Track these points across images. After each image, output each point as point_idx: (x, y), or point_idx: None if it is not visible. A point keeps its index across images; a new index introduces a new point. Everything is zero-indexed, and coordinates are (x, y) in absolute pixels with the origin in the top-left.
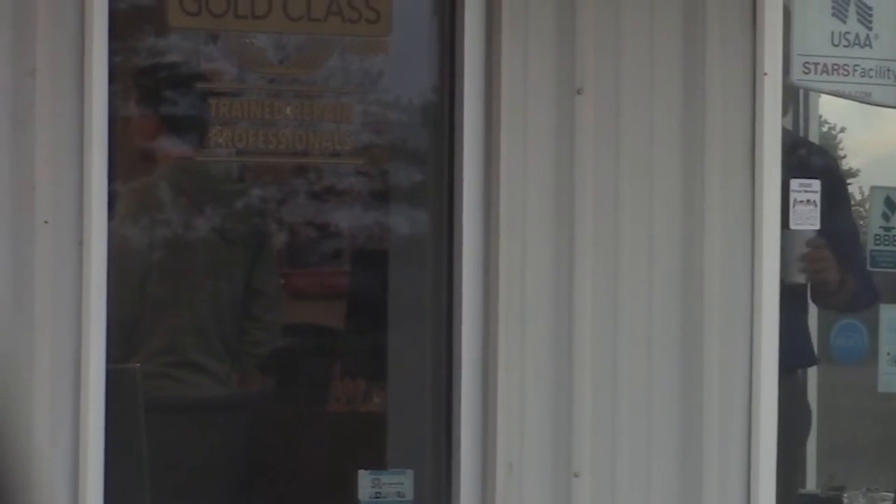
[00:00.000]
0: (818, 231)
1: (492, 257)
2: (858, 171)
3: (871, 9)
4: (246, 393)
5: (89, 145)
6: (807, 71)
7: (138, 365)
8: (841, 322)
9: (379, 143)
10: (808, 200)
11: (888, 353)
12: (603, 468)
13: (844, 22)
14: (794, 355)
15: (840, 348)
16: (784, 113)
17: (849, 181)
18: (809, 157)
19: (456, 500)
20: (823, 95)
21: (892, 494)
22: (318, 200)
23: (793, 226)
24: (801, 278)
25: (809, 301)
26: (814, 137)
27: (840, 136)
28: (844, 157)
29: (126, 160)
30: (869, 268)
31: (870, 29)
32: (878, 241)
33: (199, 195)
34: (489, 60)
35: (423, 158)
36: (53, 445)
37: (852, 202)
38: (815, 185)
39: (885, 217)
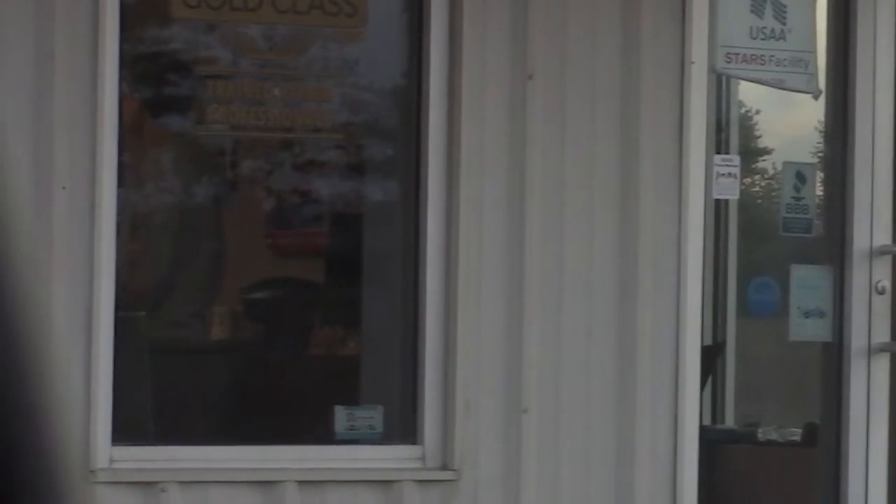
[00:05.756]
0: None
1: (453, 220)
2: (773, 148)
3: (785, 7)
4: (239, 338)
5: (101, 121)
6: (729, 60)
7: (143, 313)
8: (757, 279)
9: (355, 121)
10: (730, 174)
11: (798, 307)
12: (548, 404)
13: (762, 18)
14: None
15: (756, 302)
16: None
17: (764, 157)
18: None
19: (420, 432)
20: (743, 82)
21: (800, 430)
22: (302, 171)
23: (715, 196)
24: None
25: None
26: (734, 119)
27: (756, 117)
28: (760, 136)
29: (133, 134)
30: (782, 233)
31: (784, 24)
32: (789, 210)
33: (195, 166)
34: (452, 50)
35: (394, 135)
36: (67, 385)
37: (767, 176)
38: (736, 160)
39: (796, 189)
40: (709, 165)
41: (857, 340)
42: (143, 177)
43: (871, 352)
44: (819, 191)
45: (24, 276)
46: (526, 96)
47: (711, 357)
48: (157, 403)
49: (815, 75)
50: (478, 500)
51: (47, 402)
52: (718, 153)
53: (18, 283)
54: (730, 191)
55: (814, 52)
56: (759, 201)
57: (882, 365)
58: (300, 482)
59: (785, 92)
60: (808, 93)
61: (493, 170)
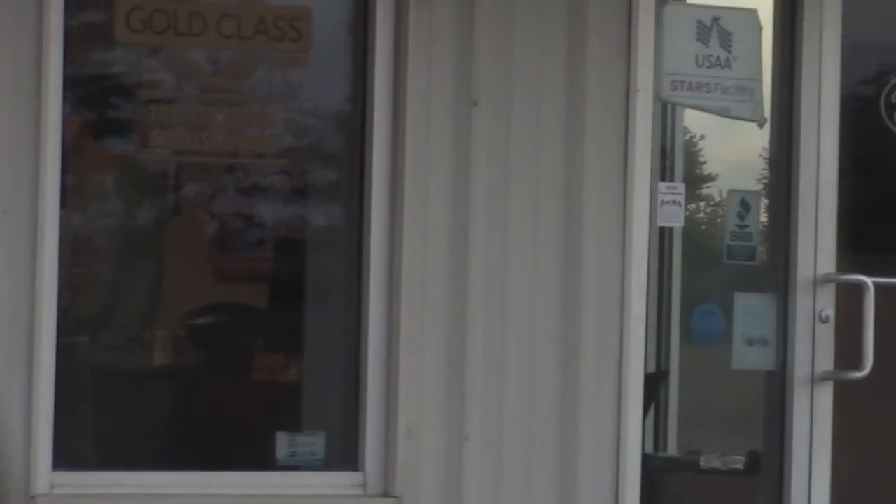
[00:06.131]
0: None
1: (396, 246)
2: (717, 175)
3: (730, 34)
4: (181, 363)
5: (44, 144)
6: (674, 88)
7: (85, 338)
8: (701, 307)
9: (299, 145)
10: (674, 201)
11: (742, 335)
12: (490, 432)
13: (707, 45)
14: None
15: (699, 330)
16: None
17: (708, 184)
18: None
19: (362, 458)
20: (688, 109)
21: (742, 458)
22: (245, 195)
23: (660, 223)
24: None
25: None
26: (678, 146)
27: (701, 143)
28: (705, 163)
29: (76, 158)
30: (726, 260)
31: (729, 52)
32: (734, 238)
33: (138, 190)
34: (397, 75)
35: (338, 159)
36: (7, 410)
37: (711, 203)
38: (681, 187)
39: (741, 216)
40: (653, 193)
41: (800, 369)
42: (86, 200)
43: (814, 380)
44: (763, 218)
45: None
46: (471, 122)
47: (654, 384)
48: (99, 428)
49: (760, 103)
50: None
51: None
52: (663, 180)
53: None
54: (674, 218)
55: (759, 80)
56: (704, 228)
57: (825, 393)
58: None
59: (730, 120)
60: (753, 121)
61: (437, 195)
